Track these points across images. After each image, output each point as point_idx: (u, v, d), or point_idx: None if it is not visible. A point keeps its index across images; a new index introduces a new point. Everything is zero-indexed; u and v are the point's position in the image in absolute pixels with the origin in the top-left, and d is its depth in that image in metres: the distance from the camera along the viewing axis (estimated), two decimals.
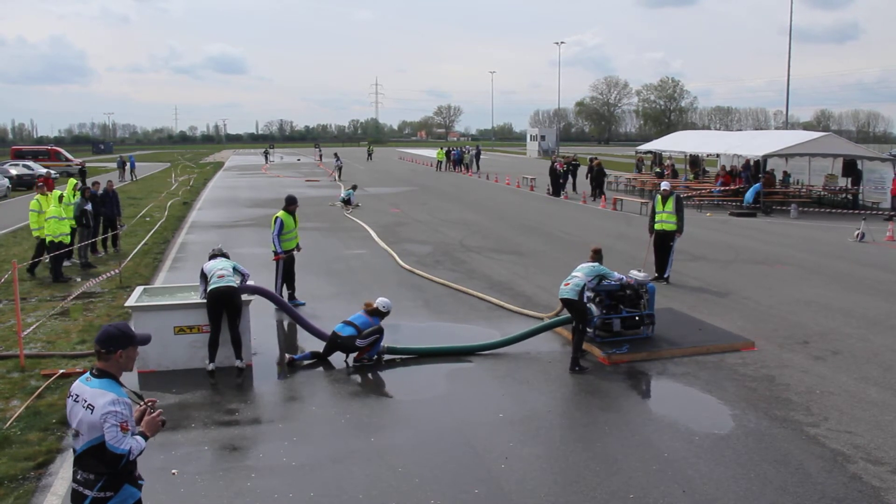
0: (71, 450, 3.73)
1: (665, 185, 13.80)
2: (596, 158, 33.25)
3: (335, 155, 46.38)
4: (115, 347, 3.66)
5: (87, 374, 3.70)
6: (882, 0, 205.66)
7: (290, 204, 11.60)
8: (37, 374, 8.27)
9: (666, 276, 13.19)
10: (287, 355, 8.77)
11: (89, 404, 3.58)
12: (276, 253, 11.31)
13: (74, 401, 3.67)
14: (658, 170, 34.19)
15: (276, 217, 11.40)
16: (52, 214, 13.73)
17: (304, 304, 11.34)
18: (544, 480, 5.76)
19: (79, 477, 3.65)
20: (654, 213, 13.45)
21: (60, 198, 14.25)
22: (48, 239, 13.67)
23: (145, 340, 3.86)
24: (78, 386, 3.70)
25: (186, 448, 6.43)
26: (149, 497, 5.53)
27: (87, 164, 48.41)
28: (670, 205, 13.19)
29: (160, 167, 60.05)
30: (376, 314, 8.87)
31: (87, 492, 3.63)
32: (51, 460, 6.19)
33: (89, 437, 3.59)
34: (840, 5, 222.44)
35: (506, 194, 32.34)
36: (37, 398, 7.47)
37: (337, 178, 40.39)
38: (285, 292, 11.43)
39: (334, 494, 5.59)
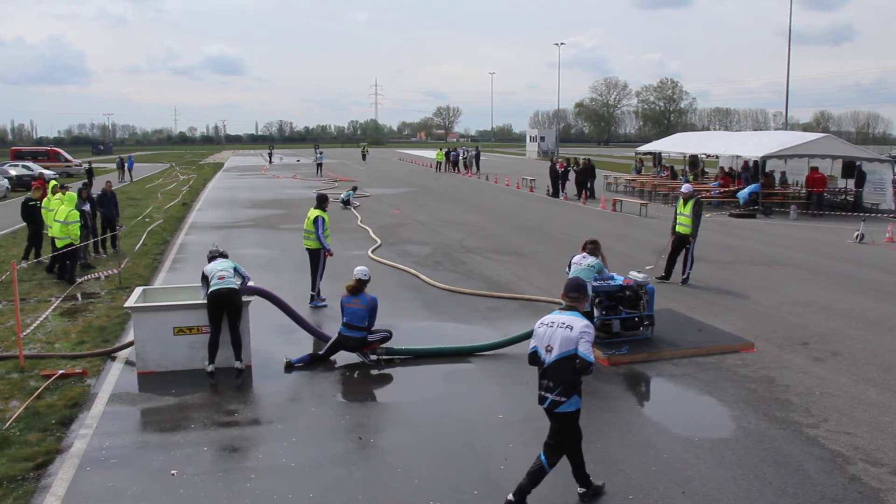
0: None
1: (685, 187, 13.77)
2: (577, 157, 33.41)
3: (315, 146, 46.05)
4: (583, 294, 5.23)
5: (558, 309, 5.23)
6: (877, 1, 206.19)
7: (324, 202, 11.92)
8: (36, 374, 8.27)
9: (685, 276, 13.15)
10: (285, 358, 8.74)
11: (568, 325, 5.01)
12: (326, 251, 11.60)
13: (549, 326, 5.11)
14: (656, 169, 34.20)
15: (318, 216, 11.58)
16: (59, 217, 13.68)
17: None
18: (543, 481, 5.76)
19: (544, 384, 5.11)
20: (675, 214, 13.47)
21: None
22: (58, 243, 13.62)
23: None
24: (552, 317, 5.16)
25: (186, 449, 6.43)
26: (149, 498, 5.57)
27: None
28: (689, 208, 13.16)
29: (159, 167, 60.03)
30: (363, 287, 8.75)
31: (547, 395, 5.09)
32: (50, 461, 6.19)
33: (561, 350, 4.99)
34: (835, 7, 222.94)
35: (505, 195, 32.34)
36: (36, 399, 7.47)
37: (318, 173, 40.38)
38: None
39: (334, 495, 5.59)
